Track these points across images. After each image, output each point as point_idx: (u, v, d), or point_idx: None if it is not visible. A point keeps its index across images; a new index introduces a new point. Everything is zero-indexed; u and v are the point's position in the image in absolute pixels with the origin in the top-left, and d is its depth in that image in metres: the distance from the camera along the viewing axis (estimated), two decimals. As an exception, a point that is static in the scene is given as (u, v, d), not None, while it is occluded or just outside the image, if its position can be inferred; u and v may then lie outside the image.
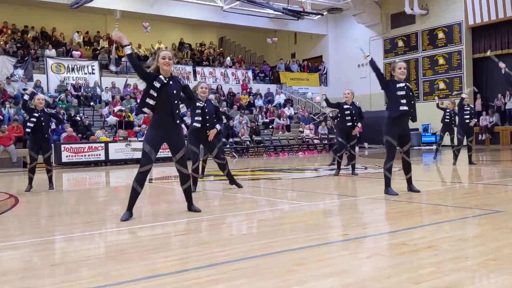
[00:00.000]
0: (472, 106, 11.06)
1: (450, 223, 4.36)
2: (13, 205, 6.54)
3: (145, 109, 4.97)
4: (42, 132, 8.09)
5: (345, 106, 9.03)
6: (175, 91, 5.00)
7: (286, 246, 3.56)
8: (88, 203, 6.92)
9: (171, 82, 5.00)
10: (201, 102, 7.08)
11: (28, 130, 8.12)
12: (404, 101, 6.06)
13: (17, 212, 5.98)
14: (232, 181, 7.55)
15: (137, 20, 23.83)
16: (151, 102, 4.92)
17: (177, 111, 5.04)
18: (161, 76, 4.95)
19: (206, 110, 7.07)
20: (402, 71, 6.17)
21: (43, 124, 8.08)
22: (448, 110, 12.87)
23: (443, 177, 9.41)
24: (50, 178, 8.42)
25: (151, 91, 4.92)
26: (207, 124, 7.07)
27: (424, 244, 3.47)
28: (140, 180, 4.99)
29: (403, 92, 6.08)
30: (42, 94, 8.83)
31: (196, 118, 7.08)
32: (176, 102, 5.02)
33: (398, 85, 6.13)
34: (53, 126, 13.54)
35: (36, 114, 8.02)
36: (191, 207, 5.27)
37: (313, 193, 7.12)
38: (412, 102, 6.16)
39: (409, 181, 6.38)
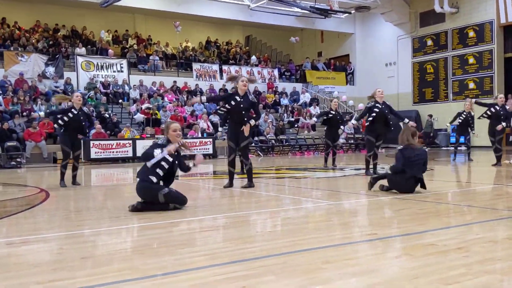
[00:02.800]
0: (493, 108, 10.58)
1: (480, 224, 4.27)
2: (44, 199, 6.70)
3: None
4: (78, 130, 8.17)
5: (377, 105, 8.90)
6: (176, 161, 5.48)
7: (313, 245, 3.54)
8: (116, 198, 7.03)
9: (176, 154, 5.44)
10: (239, 97, 7.14)
11: (61, 123, 8.04)
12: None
13: (47, 206, 6.12)
14: (250, 180, 7.50)
15: (165, 19, 24.13)
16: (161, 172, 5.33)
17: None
18: (168, 157, 5.32)
19: (241, 106, 7.11)
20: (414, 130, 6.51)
21: (83, 123, 8.17)
22: (464, 113, 12.67)
23: (472, 178, 9.23)
24: (74, 177, 8.41)
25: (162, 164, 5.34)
26: (245, 119, 7.16)
27: (453, 245, 3.41)
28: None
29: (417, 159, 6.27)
30: (79, 92, 8.90)
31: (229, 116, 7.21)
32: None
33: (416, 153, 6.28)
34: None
35: (74, 111, 8.09)
36: None
37: (339, 192, 7.07)
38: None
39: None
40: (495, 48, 21.57)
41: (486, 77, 21.97)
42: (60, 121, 8.11)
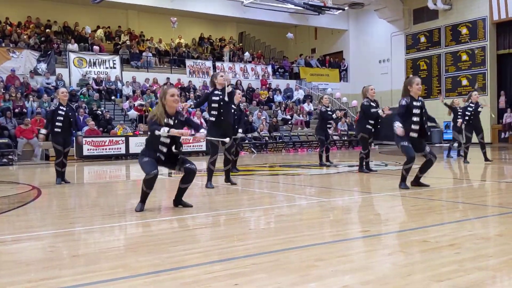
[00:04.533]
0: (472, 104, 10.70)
1: (472, 221, 4.29)
2: (36, 196, 6.65)
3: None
4: (68, 126, 8.11)
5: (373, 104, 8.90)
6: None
7: (305, 242, 3.54)
8: (109, 196, 7.00)
9: (176, 121, 5.14)
10: (219, 91, 7.08)
11: (57, 130, 8.00)
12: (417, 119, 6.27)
13: (39, 204, 6.08)
14: (228, 178, 7.49)
15: (158, 15, 24.00)
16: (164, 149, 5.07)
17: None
18: (166, 120, 5.06)
19: (221, 98, 7.03)
20: (419, 87, 6.33)
21: (71, 119, 8.12)
22: (459, 109, 12.69)
23: (464, 175, 9.27)
24: (63, 173, 8.32)
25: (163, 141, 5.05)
26: (227, 115, 7.11)
27: (445, 242, 3.42)
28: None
29: (418, 111, 6.27)
30: (64, 88, 8.82)
31: (212, 112, 7.07)
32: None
33: (414, 103, 6.29)
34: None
35: (63, 108, 8.07)
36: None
37: (332, 189, 7.08)
38: (424, 118, 6.31)
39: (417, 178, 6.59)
40: (488, 45, 21.66)
41: (479, 74, 22.07)
42: (56, 129, 8.04)
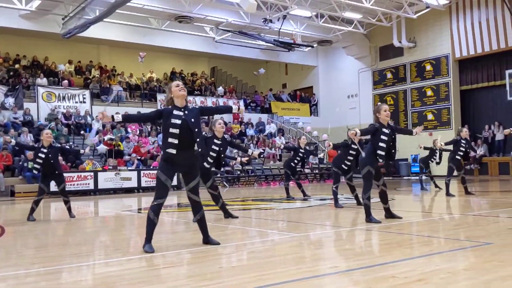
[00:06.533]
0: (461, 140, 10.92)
1: (440, 255, 4.36)
2: (-1, 235, 6.44)
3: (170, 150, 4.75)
4: (53, 167, 8.10)
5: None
6: (193, 120, 4.83)
7: (277, 279, 3.53)
8: (76, 233, 6.82)
9: (186, 112, 4.85)
10: (218, 140, 7.20)
11: (37, 166, 8.08)
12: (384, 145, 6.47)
13: (3, 243, 5.88)
14: (227, 213, 7.55)
15: (130, 50, 24.07)
16: (175, 141, 4.74)
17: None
18: (177, 112, 4.81)
19: (221, 149, 7.24)
20: (388, 114, 6.55)
21: (52, 160, 8.05)
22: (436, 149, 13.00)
23: (433, 208, 9.44)
24: (69, 209, 8.44)
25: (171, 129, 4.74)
26: (219, 162, 7.35)
27: (414, 277, 3.46)
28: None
29: (386, 137, 6.47)
30: (49, 130, 8.83)
31: (208, 159, 7.15)
32: (196, 130, 4.84)
33: (383, 130, 6.50)
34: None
35: (44, 150, 7.98)
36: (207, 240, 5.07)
37: (304, 223, 7.10)
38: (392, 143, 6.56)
39: (387, 210, 6.86)
40: (451, 81, 22.50)
41: (443, 109, 22.81)
42: (36, 165, 8.12)
